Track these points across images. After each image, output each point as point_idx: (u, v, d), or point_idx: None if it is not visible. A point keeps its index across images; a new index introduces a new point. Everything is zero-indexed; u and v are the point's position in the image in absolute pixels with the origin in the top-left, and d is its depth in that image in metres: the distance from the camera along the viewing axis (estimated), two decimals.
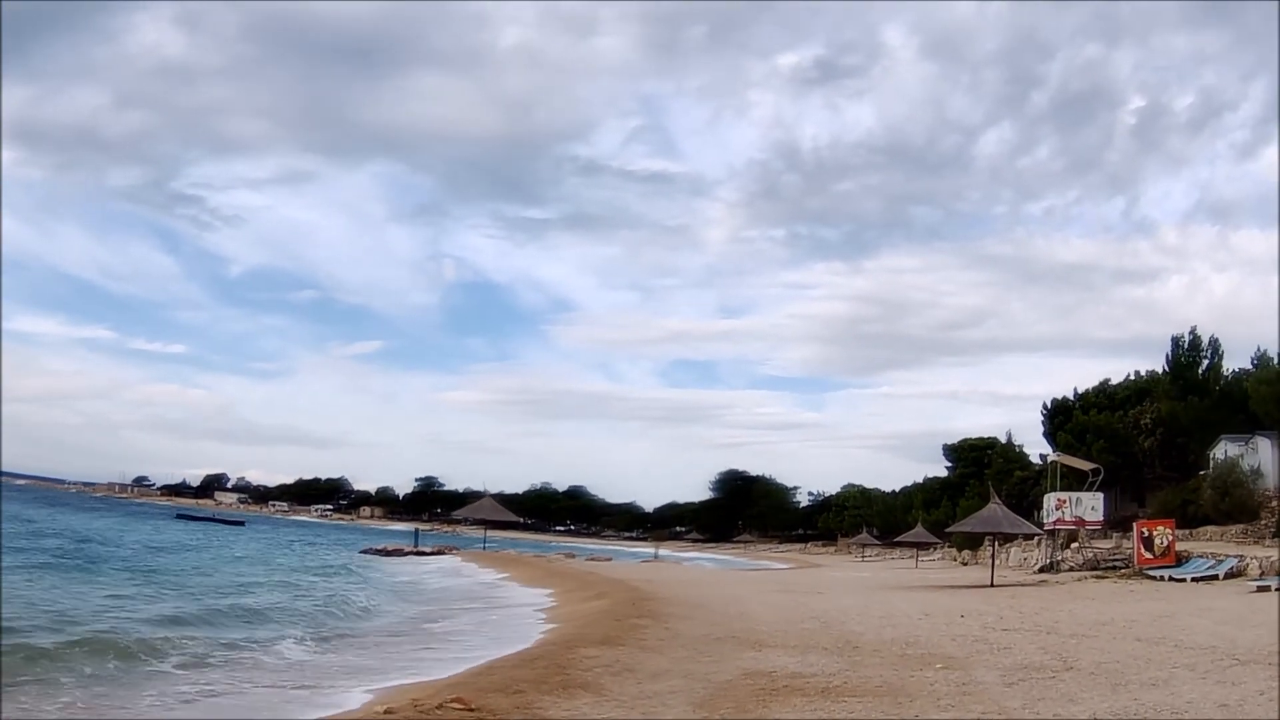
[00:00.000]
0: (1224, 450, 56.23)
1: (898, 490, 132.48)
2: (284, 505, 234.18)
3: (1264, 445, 54.05)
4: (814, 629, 22.49)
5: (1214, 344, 65.25)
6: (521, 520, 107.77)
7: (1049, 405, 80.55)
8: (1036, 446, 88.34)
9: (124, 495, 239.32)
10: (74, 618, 22.88)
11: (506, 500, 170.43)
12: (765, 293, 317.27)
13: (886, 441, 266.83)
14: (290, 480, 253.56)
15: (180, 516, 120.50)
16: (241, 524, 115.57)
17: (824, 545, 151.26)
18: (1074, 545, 50.72)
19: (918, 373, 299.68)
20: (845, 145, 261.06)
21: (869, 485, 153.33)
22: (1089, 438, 65.24)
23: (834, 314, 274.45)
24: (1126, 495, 65.95)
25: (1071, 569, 46.38)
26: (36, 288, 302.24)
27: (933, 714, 12.17)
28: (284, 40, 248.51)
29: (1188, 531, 47.93)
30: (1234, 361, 65.41)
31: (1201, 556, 40.96)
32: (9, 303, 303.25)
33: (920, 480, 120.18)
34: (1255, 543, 44.83)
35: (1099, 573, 43.45)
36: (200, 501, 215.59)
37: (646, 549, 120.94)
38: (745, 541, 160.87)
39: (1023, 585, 40.41)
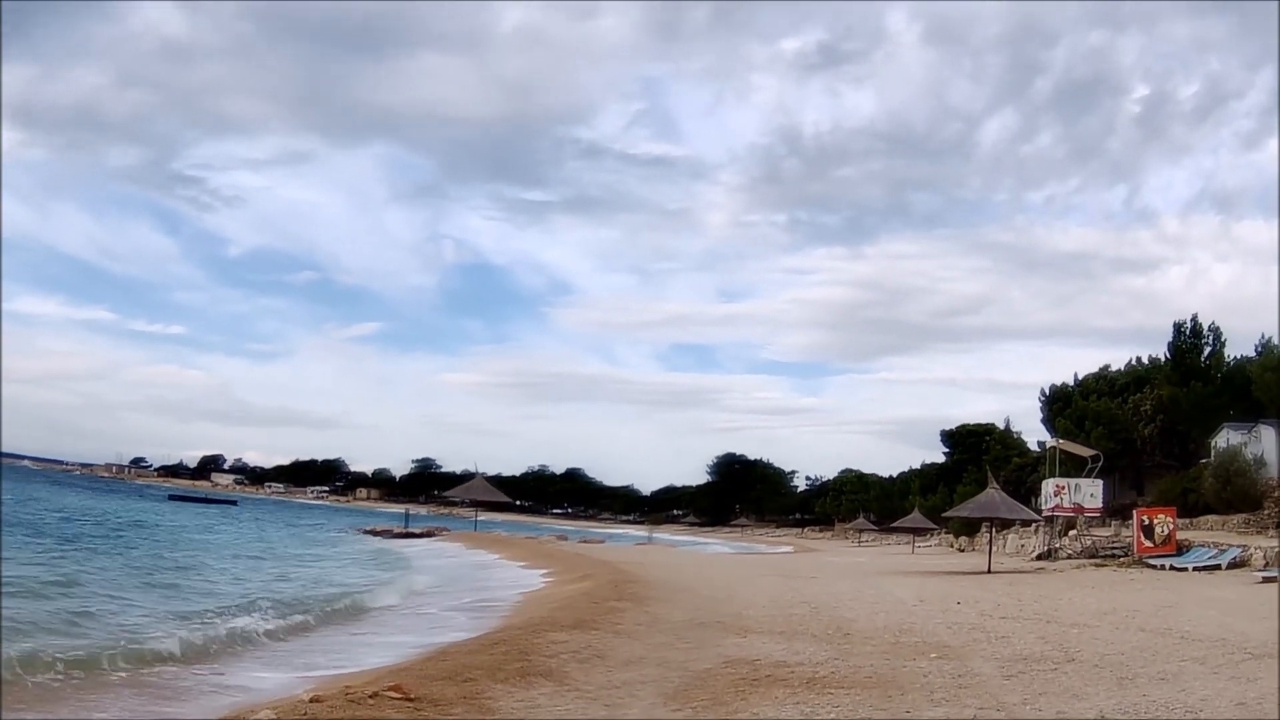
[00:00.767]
0: (1226, 438, 55.40)
1: (895, 476, 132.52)
2: (280, 487, 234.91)
3: (1267, 434, 53.11)
4: (804, 615, 21.53)
5: (1216, 331, 64.44)
6: (513, 501, 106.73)
7: (1048, 391, 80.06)
8: (1034, 434, 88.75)
9: (121, 476, 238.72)
10: None
11: (504, 482, 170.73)
12: (765, 277, 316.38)
13: (884, 427, 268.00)
14: (287, 462, 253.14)
15: (173, 498, 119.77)
16: (234, 503, 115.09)
17: (821, 530, 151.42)
18: (1072, 532, 50.01)
19: (916, 359, 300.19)
20: (847, 131, 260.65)
21: (866, 471, 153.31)
22: (1088, 424, 64.54)
23: (833, 299, 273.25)
24: (1125, 483, 65.28)
25: (1069, 556, 45.64)
26: (36, 269, 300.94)
27: (925, 709, 11.18)
28: (284, 20, 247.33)
29: (1188, 520, 47.19)
30: (1236, 351, 64.63)
31: (1203, 546, 40.21)
32: (8, 284, 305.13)
33: (917, 466, 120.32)
34: (1258, 532, 44.09)
35: (1098, 561, 42.71)
36: (197, 483, 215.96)
37: (641, 532, 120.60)
38: (742, 525, 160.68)
39: (1020, 572, 39.72)
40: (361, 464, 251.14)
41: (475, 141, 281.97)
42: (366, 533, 71.47)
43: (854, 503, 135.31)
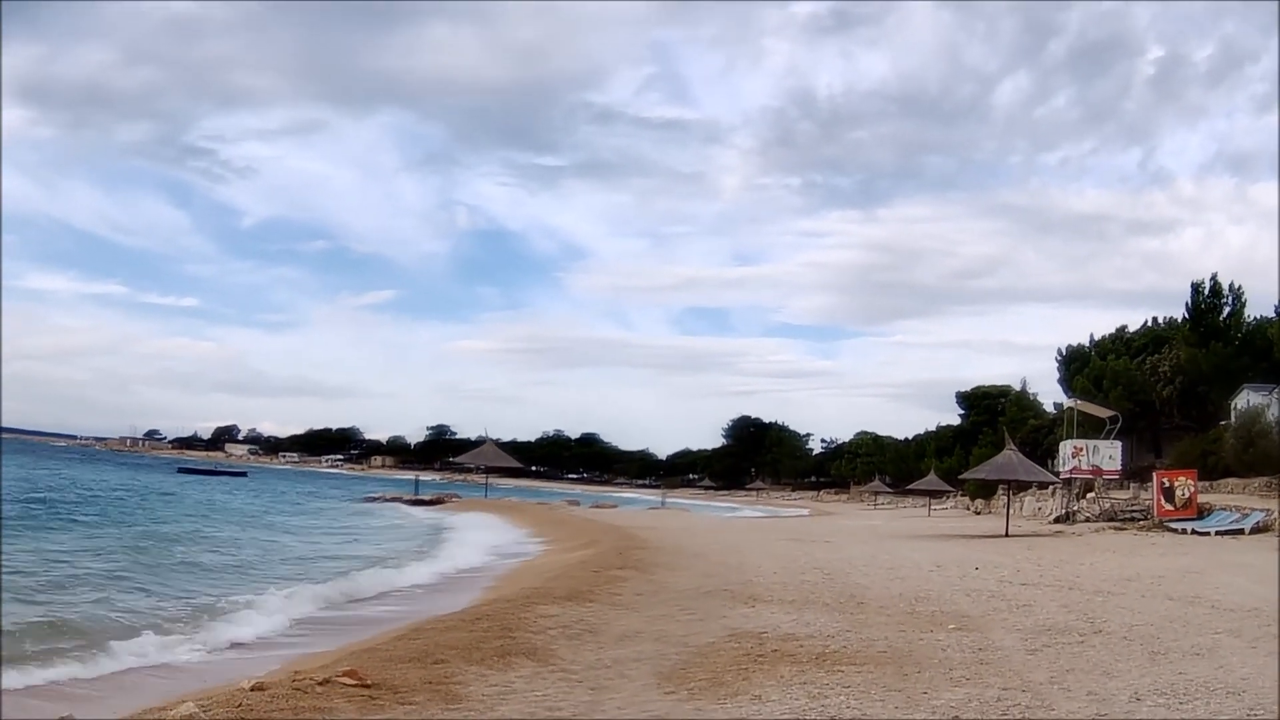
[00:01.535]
0: (1246, 399, 54.53)
1: (910, 438, 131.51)
2: (294, 456, 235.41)
3: None
4: (816, 582, 20.66)
5: (1236, 291, 63.32)
6: (524, 466, 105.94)
7: (1064, 351, 79.13)
8: (1049, 396, 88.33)
9: (135, 450, 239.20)
10: None
11: (519, 448, 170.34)
12: (779, 240, 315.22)
13: (899, 390, 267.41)
14: (302, 431, 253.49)
15: (182, 470, 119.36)
16: (244, 475, 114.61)
17: (836, 493, 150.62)
18: (1090, 495, 49.29)
19: (931, 321, 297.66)
20: (860, 93, 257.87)
21: (882, 433, 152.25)
22: (1106, 384, 63.62)
23: (847, 262, 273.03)
24: (1143, 445, 64.41)
25: (1088, 519, 45.04)
26: (47, 245, 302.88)
27: (944, 689, 10.27)
28: None
29: (1208, 483, 46.35)
30: (1253, 313, 63.58)
31: (1225, 509, 39.55)
32: (20, 261, 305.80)
33: (933, 428, 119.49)
34: None
35: (1117, 524, 42.08)
36: (211, 454, 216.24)
37: (654, 496, 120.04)
38: (757, 489, 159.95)
39: (1038, 536, 38.95)
40: (376, 432, 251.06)
41: (487, 108, 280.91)
42: (373, 500, 70.76)
43: (869, 465, 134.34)
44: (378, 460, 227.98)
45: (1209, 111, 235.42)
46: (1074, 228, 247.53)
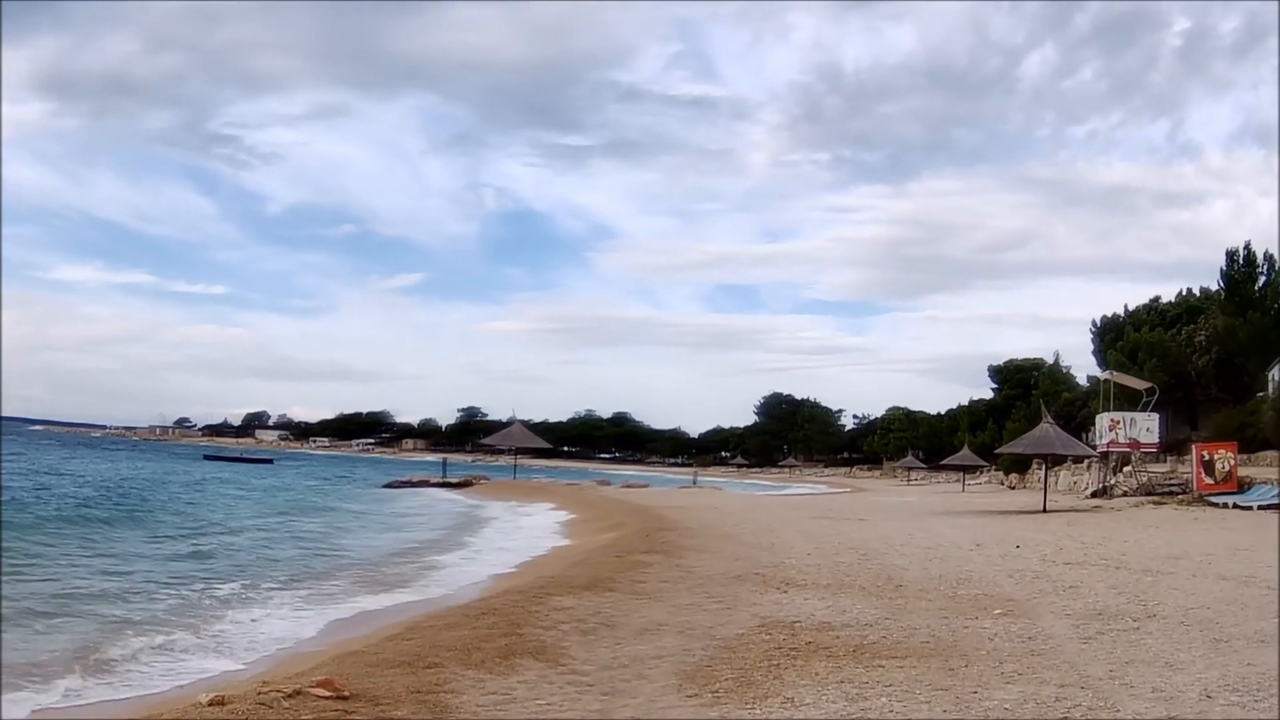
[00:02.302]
0: None
1: (943, 413, 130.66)
2: (325, 441, 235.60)
3: None
4: (851, 564, 19.84)
5: (1271, 259, 61.94)
6: (552, 446, 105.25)
7: (1098, 323, 78.00)
8: (1082, 370, 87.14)
9: (164, 438, 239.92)
10: None
11: (550, 428, 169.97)
12: (808, 216, 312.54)
13: (930, 365, 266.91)
14: (333, 416, 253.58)
15: (208, 457, 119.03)
16: (270, 462, 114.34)
17: (869, 469, 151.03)
18: (1126, 469, 48.39)
19: (961, 296, 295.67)
20: (887, 67, 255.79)
21: (914, 408, 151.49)
22: (1141, 356, 62.47)
23: (877, 237, 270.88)
24: (1179, 417, 63.22)
25: (1125, 494, 44.15)
26: (73, 236, 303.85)
27: (995, 685, 9.41)
28: None
29: (1246, 456, 45.21)
30: None
31: (1265, 483, 38.40)
32: (47, 253, 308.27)
33: (965, 403, 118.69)
34: None
35: (1155, 498, 41.17)
36: (241, 440, 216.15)
37: (686, 475, 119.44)
38: (790, 466, 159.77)
39: (1076, 511, 38.23)
40: (407, 415, 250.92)
41: (512, 88, 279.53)
42: (400, 484, 70.01)
43: (902, 441, 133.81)
44: (409, 443, 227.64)
45: (1236, 83, 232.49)
46: (1103, 200, 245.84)
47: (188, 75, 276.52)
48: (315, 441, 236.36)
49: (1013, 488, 73.29)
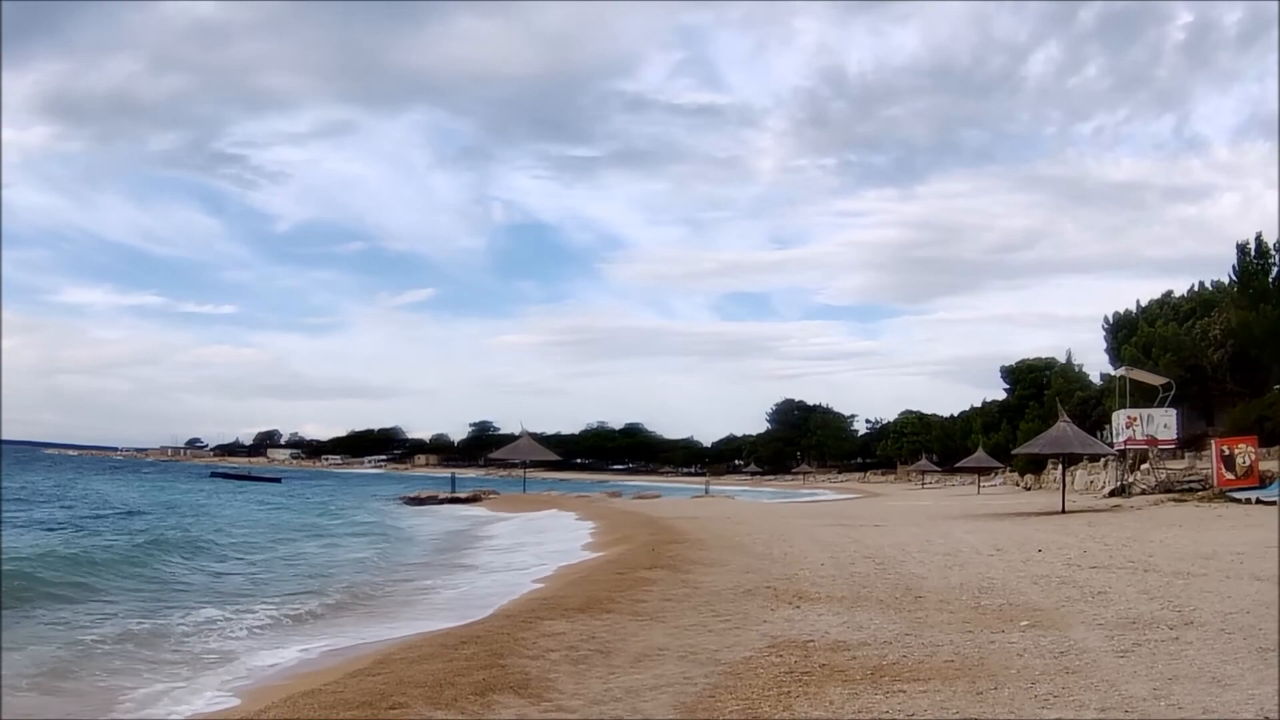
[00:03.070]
0: None
1: (956, 415, 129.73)
2: (337, 458, 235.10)
3: None
4: (867, 573, 18.95)
5: None
6: (561, 459, 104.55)
7: (1110, 319, 77.24)
8: (1094, 368, 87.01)
9: (176, 458, 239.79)
10: None
11: (563, 441, 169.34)
12: (817, 221, 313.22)
13: (942, 367, 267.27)
14: (345, 433, 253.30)
15: (215, 475, 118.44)
16: (278, 480, 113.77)
17: (883, 473, 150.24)
18: (1144, 466, 47.68)
19: (972, 297, 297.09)
20: (892, 69, 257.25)
21: (927, 411, 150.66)
22: (1155, 351, 61.70)
23: (886, 240, 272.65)
24: (1194, 412, 62.37)
25: (1144, 492, 43.57)
26: (82, 259, 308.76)
27: (1029, 710, 8.48)
28: None
29: (1265, 450, 44.47)
30: None
31: None
32: (56, 276, 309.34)
33: (978, 405, 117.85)
34: None
35: (1175, 496, 40.54)
36: (253, 460, 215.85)
37: (699, 485, 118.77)
38: (804, 472, 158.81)
39: (1096, 511, 37.36)
40: (421, 431, 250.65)
41: (518, 100, 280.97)
42: (409, 501, 69.06)
43: (915, 444, 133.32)
44: (421, 459, 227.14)
45: (1241, 75, 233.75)
46: (1111, 197, 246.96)
47: (193, 95, 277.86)
48: (327, 459, 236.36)
49: (1028, 489, 72.73)
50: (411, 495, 73.19)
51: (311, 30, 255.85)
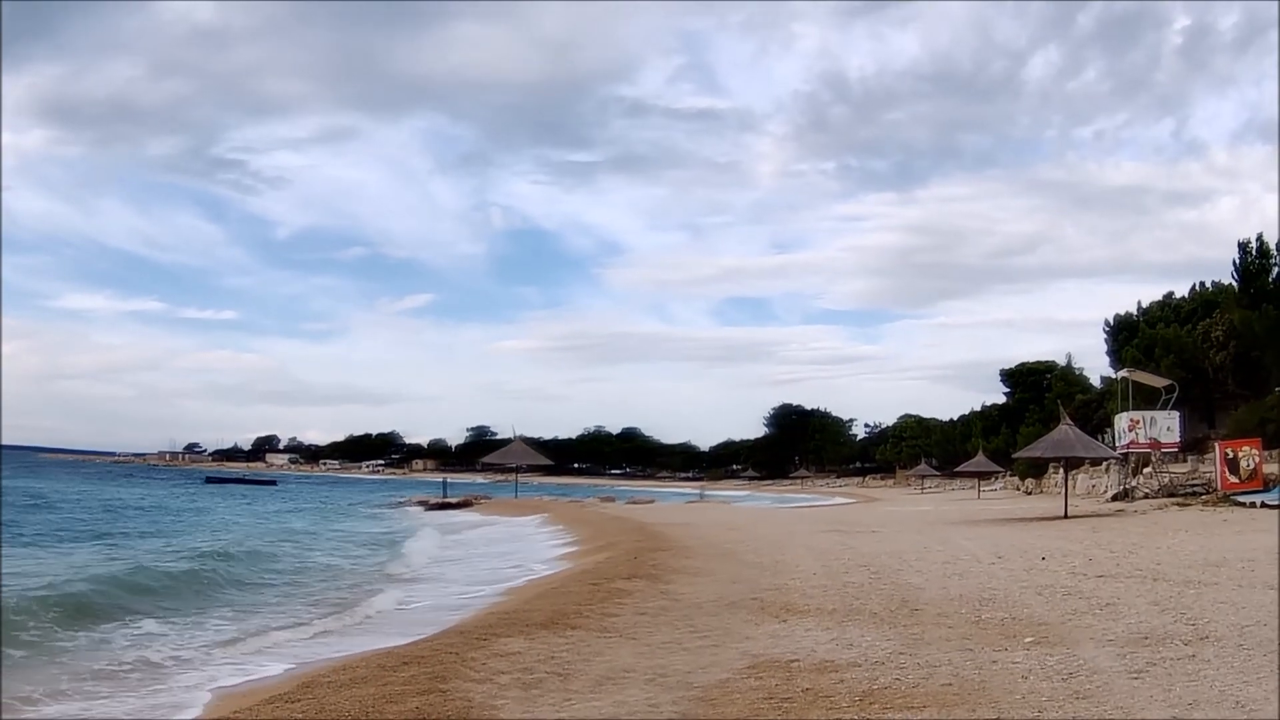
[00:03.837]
0: None
1: (956, 419, 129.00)
2: (335, 463, 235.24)
3: None
4: (861, 583, 17.97)
5: None
6: (553, 463, 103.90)
7: (1111, 322, 76.49)
8: (1094, 372, 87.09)
9: (174, 463, 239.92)
10: None
11: (560, 445, 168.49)
12: (817, 226, 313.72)
13: (943, 372, 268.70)
14: (344, 438, 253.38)
15: (210, 480, 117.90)
16: (273, 484, 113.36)
17: (882, 478, 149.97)
18: (1146, 470, 47.09)
19: (972, 302, 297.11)
20: (892, 74, 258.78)
21: (926, 416, 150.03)
22: (1158, 353, 60.92)
23: (887, 245, 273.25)
24: (1196, 414, 61.58)
25: (1147, 496, 42.90)
26: (82, 265, 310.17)
27: None
28: None
29: (1269, 452, 43.62)
30: None
31: None
32: (56, 282, 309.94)
33: (978, 409, 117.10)
34: None
35: (1179, 500, 39.78)
36: (252, 464, 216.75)
37: (694, 490, 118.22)
38: (802, 477, 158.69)
39: (1099, 515, 36.67)
40: (421, 436, 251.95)
41: (518, 106, 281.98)
42: (398, 505, 68.42)
43: (915, 448, 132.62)
44: (419, 464, 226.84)
45: (1239, 79, 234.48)
46: (1111, 201, 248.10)
47: (193, 100, 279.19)
48: (325, 464, 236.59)
49: (1029, 493, 72.15)
50: (401, 500, 72.65)
51: (312, 35, 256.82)
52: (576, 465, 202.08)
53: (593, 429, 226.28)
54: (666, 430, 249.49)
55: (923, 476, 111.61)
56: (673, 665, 11.07)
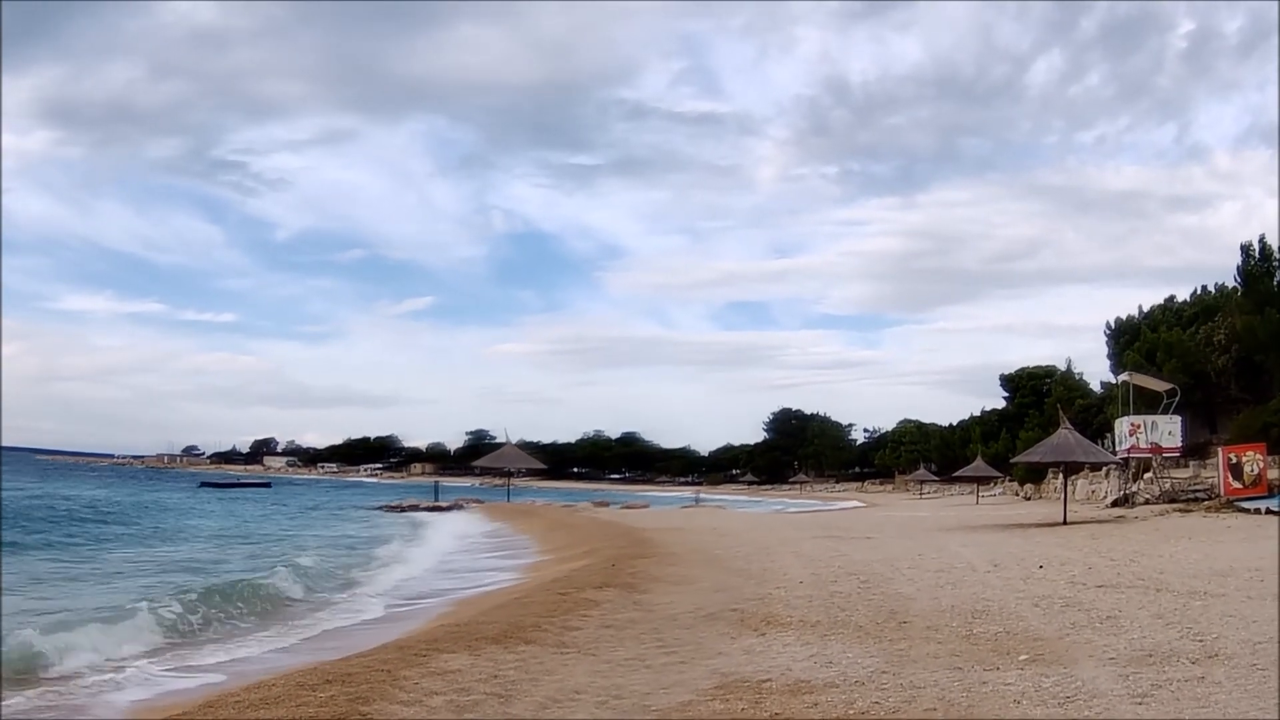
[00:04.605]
0: None
1: (955, 424, 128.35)
2: (333, 467, 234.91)
3: None
4: (849, 593, 17.04)
5: None
6: (545, 467, 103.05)
7: (1113, 325, 75.87)
8: (1094, 376, 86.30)
9: (171, 465, 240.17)
10: None
11: (559, 450, 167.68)
12: (817, 230, 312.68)
13: (942, 376, 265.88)
14: (342, 441, 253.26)
15: (204, 484, 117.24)
16: (268, 485, 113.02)
17: (881, 483, 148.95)
18: (1147, 475, 46.55)
19: (972, 306, 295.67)
20: (894, 78, 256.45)
21: (925, 421, 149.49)
22: (1159, 357, 60.20)
23: (887, 250, 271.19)
24: (1197, 419, 60.84)
25: (1148, 501, 42.40)
26: (81, 266, 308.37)
27: None
28: None
29: (1272, 457, 42.91)
30: None
31: None
32: (55, 283, 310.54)
33: (977, 414, 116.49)
34: None
35: (1181, 506, 39.22)
36: (249, 467, 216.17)
37: (690, 494, 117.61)
38: (801, 482, 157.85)
39: (1099, 522, 35.89)
40: (419, 439, 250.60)
41: (518, 108, 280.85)
42: (385, 509, 67.45)
43: (914, 453, 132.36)
44: (417, 468, 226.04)
45: (1242, 84, 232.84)
46: (1112, 206, 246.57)
47: (192, 102, 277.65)
48: (323, 467, 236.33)
49: (1028, 498, 71.73)
50: (391, 503, 71.93)
51: (311, 37, 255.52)
52: (575, 470, 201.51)
53: (592, 433, 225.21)
54: (666, 435, 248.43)
55: (922, 482, 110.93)
56: (630, 686, 10.12)
